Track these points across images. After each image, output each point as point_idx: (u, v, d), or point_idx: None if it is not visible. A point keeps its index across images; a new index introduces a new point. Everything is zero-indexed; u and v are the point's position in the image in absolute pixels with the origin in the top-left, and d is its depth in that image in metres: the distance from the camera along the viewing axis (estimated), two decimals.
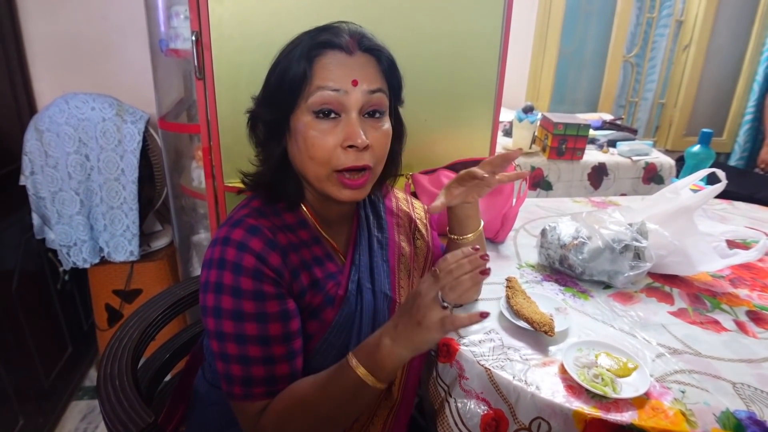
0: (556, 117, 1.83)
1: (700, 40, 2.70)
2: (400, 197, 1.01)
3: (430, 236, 1.00)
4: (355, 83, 0.70)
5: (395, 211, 0.97)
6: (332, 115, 0.71)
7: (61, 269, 1.83)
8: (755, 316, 1.04)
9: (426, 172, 1.38)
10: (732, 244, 1.20)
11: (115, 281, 1.89)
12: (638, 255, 1.08)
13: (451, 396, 0.87)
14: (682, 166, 2.41)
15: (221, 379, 0.71)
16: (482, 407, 0.84)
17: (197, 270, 1.87)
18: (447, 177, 1.35)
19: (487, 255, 0.71)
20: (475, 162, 1.40)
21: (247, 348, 0.68)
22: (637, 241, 1.06)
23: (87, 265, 1.81)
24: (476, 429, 0.85)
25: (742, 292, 1.14)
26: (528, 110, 1.83)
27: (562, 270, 1.13)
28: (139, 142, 1.72)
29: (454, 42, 1.36)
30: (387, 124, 0.76)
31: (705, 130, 1.45)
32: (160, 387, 1.09)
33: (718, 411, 0.77)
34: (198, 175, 1.69)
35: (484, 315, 0.63)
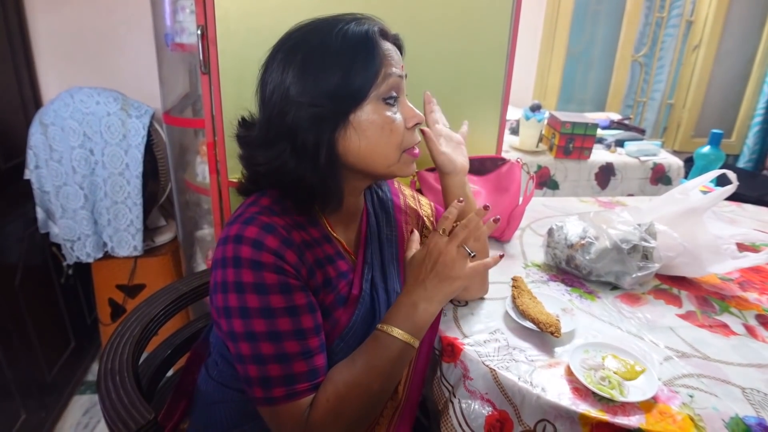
0: (564, 116, 1.81)
1: (710, 40, 2.67)
2: (407, 194, 1.00)
3: None
4: (402, 68, 0.75)
5: (403, 208, 0.95)
6: (393, 101, 0.73)
7: (64, 263, 1.83)
8: (765, 320, 1.03)
9: (431, 170, 1.37)
10: (742, 247, 1.19)
11: (119, 276, 1.89)
12: (646, 256, 1.07)
13: (455, 396, 0.86)
14: (690, 167, 2.39)
15: (254, 385, 0.66)
16: (487, 408, 0.83)
17: (201, 265, 1.87)
18: None
19: (488, 206, 0.76)
20: (481, 160, 1.40)
21: (283, 345, 0.66)
22: (645, 241, 1.05)
23: (90, 260, 1.80)
24: (480, 430, 0.83)
25: (752, 295, 1.12)
26: (535, 109, 1.81)
27: (569, 270, 1.12)
28: (144, 137, 1.72)
29: (462, 40, 1.34)
30: None
31: (715, 131, 1.43)
32: (161, 383, 1.09)
33: (727, 417, 0.75)
34: (202, 170, 1.68)
35: (501, 256, 0.76)
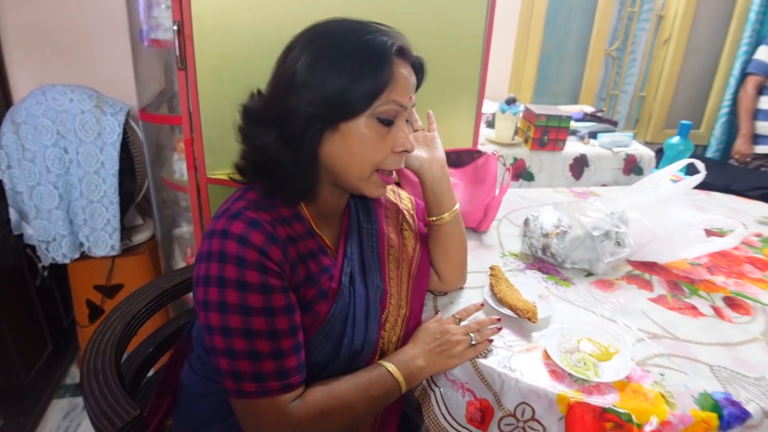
0: (539, 108, 1.84)
1: (680, 35, 2.74)
2: (388, 188, 1.01)
3: (417, 227, 1.00)
4: (410, 99, 0.76)
5: (384, 202, 0.97)
6: (391, 123, 0.74)
7: (39, 265, 1.80)
8: (731, 302, 1.07)
9: None
10: (710, 232, 1.23)
11: (96, 276, 1.86)
12: (618, 242, 1.10)
13: (436, 386, 0.88)
14: (661, 158, 2.45)
15: (225, 377, 0.68)
16: (467, 397, 0.85)
17: (180, 264, 1.85)
18: None
19: (500, 319, 0.89)
20: (458, 152, 1.42)
21: (255, 343, 0.67)
22: (617, 228, 1.08)
23: (67, 261, 1.78)
24: (462, 419, 0.86)
25: (719, 279, 1.17)
26: (510, 102, 1.84)
27: (545, 258, 1.15)
28: (119, 135, 1.70)
29: (439, 36, 1.36)
30: None
31: (684, 122, 1.47)
32: (144, 381, 1.08)
33: (696, 393, 0.79)
34: (180, 168, 1.67)
35: (499, 328, 0.88)
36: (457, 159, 1.41)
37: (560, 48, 2.59)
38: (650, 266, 1.18)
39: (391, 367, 0.79)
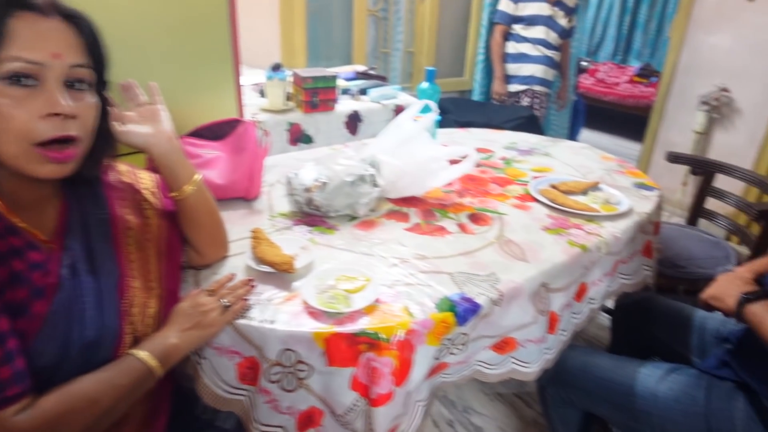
0: (305, 72, 1.87)
1: None
2: (122, 170, 0.93)
3: (161, 203, 0.95)
4: (56, 56, 0.65)
5: (115, 184, 0.89)
6: (29, 82, 0.63)
7: None
8: (475, 218, 1.22)
9: None
10: (454, 161, 1.36)
11: None
12: (373, 184, 1.18)
13: (203, 358, 0.86)
14: None
15: None
16: (235, 359, 0.85)
17: None
18: (190, 144, 1.30)
19: (253, 280, 0.90)
20: (219, 124, 1.38)
21: None
22: (366, 170, 1.15)
23: None
24: (234, 381, 0.85)
25: (467, 200, 1.32)
26: (276, 68, 1.84)
27: (311, 212, 1.18)
28: None
29: (176, 10, 1.30)
30: (92, 98, 0.72)
31: (429, 68, 1.61)
32: None
33: (437, 299, 0.89)
34: None
35: (252, 285, 0.90)
36: (219, 131, 1.37)
37: (326, 10, 2.65)
38: (409, 201, 1.29)
39: (141, 353, 0.75)
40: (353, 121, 1.98)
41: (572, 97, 4.27)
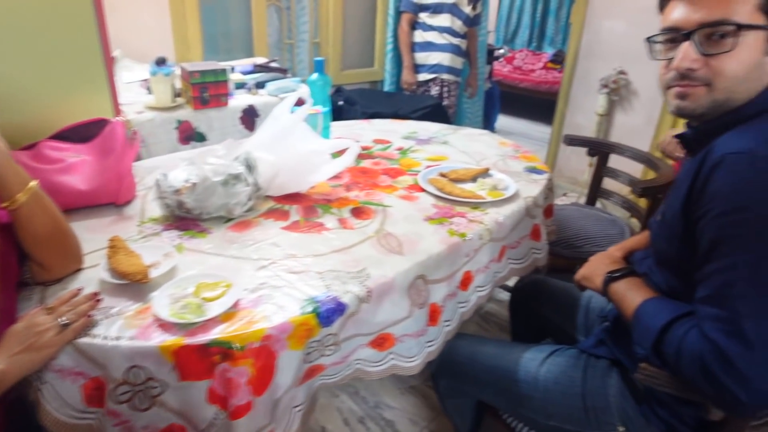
0: (192, 66, 1.77)
1: None
2: None
3: None
4: None
5: None
6: None
7: None
8: (358, 211, 1.19)
9: (26, 148, 1.20)
10: (340, 153, 1.32)
11: None
12: (249, 183, 1.12)
13: (43, 382, 0.78)
14: (337, 95, 2.63)
15: None
16: (79, 381, 0.78)
17: None
18: (51, 148, 1.19)
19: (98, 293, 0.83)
20: (85, 125, 1.27)
21: None
22: (238, 168, 1.09)
23: None
24: (80, 405, 0.79)
25: (353, 193, 1.29)
26: (160, 63, 1.74)
27: (183, 215, 1.11)
28: None
29: (33, 11, 1.20)
30: None
31: (317, 59, 1.56)
32: None
33: (301, 301, 0.85)
34: None
35: (97, 300, 0.82)
36: (87, 132, 1.27)
37: (221, 1, 2.53)
38: (292, 197, 1.24)
39: None
40: (249, 117, 1.91)
41: (488, 85, 4.37)
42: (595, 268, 1.06)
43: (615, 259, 1.09)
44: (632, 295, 0.93)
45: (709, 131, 0.84)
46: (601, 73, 3.16)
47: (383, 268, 0.96)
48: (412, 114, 2.50)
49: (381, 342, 0.97)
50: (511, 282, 1.51)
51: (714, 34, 0.78)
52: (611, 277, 0.99)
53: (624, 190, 2.00)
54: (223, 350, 0.76)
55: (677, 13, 0.82)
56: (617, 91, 3.14)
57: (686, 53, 0.81)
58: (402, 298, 0.97)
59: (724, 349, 0.72)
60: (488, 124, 4.55)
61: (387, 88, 3.20)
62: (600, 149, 2.05)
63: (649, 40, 0.89)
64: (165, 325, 0.78)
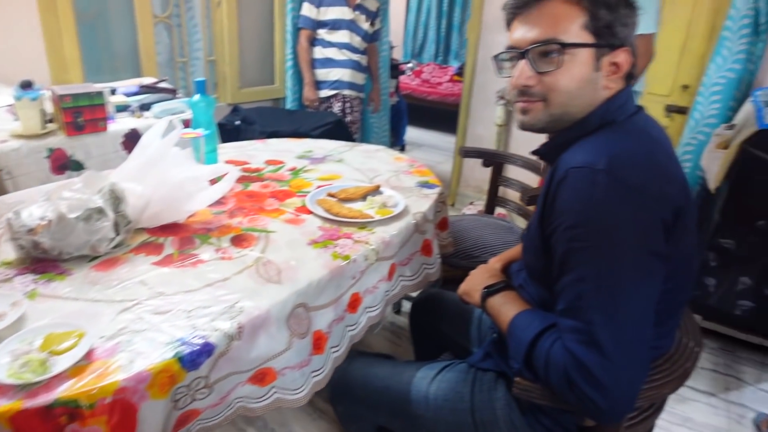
0: (63, 89, 1.64)
1: None
2: None
3: None
4: None
5: None
6: None
7: None
8: (238, 240, 1.14)
9: None
10: (214, 182, 1.27)
11: None
12: (114, 216, 1.05)
13: None
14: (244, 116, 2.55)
15: None
16: None
17: None
18: None
19: None
20: None
21: None
22: (97, 202, 1.02)
23: None
24: None
25: (236, 220, 1.24)
26: (26, 86, 1.60)
27: (41, 256, 1.02)
28: None
29: None
30: None
31: (198, 80, 1.51)
32: None
33: (164, 345, 0.79)
34: None
35: None
36: None
37: (102, 18, 2.38)
38: (169, 228, 1.17)
39: None
40: (132, 141, 1.80)
41: (394, 99, 4.43)
42: (473, 284, 1.08)
43: (494, 272, 1.11)
44: (506, 309, 0.95)
45: (558, 146, 0.89)
46: (497, 86, 3.30)
47: (258, 300, 0.92)
48: (312, 131, 2.47)
49: (261, 377, 0.93)
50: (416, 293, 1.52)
51: (546, 53, 0.83)
52: (488, 293, 1.01)
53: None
54: (69, 410, 0.69)
55: (517, 33, 0.86)
56: (512, 103, 3.28)
57: (522, 71, 0.85)
58: (280, 330, 0.93)
59: (583, 360, 0.75)
60: (396, 137, 4.62)
61: (289, 105, 3.15)
62: (494, 160, 2.13)
63: (495, 58, 0.93)
64: (1, 388, 0.70)
